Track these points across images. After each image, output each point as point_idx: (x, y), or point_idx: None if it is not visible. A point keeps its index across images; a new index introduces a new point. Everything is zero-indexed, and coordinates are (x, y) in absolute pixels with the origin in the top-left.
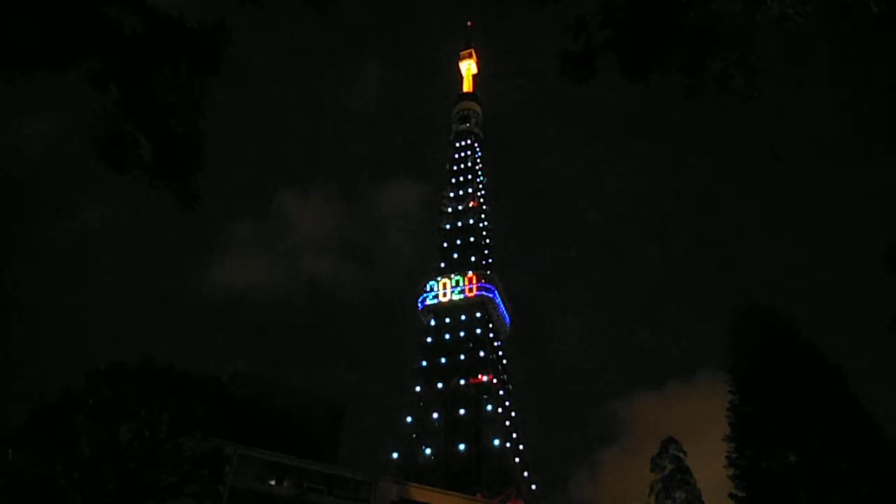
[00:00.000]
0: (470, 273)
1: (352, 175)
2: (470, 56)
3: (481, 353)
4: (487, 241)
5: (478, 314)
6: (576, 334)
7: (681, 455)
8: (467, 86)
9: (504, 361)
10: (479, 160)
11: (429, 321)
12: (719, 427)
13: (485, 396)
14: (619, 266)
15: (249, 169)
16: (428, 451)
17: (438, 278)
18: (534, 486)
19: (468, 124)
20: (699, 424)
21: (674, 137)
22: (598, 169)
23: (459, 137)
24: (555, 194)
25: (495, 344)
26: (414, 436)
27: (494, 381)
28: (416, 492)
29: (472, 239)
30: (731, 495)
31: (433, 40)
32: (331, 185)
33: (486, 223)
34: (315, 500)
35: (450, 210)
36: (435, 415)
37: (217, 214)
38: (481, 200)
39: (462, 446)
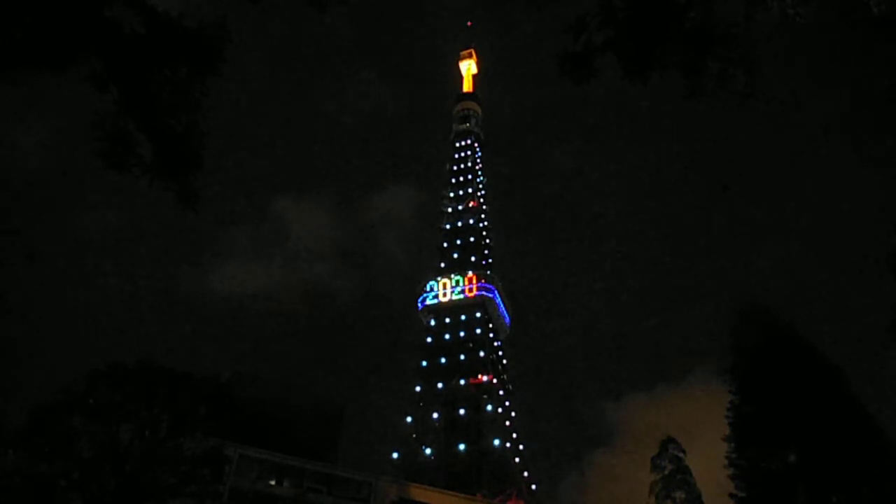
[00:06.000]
0: (470, 273)
1: (347, 181)
2: (470, 56)
3: (481, 353)
4: (487, 241)
5: (478, 314)
6: (572, 334)
7: (681, 455)
8: (467, 86)
9: (504, 361)
10: (479, 160)
11: (429, 321)
12: (711, 428)
13: (485, 396)
14: (618, 266)
15: (246, 174)
16: (428, 451)
17: (438, 278)
18: (534, 486)
19: (468, 124)
20: (691, 426)
21: (675, 138)
22: (599, 168)
23: (459, 137)
24: (555, 194)
25: (495, 344)
26: (414, 436)
27: (494, 381)
28: (416, 492)
29: (471, 239)
30: (731, 495)
31: (432, 42)
32: (326, 191)
33: (486, 223)
34: (315, 500)
35: (450, 210)
36: (435, 415)
37: (214, 219)
38: (481, 200)
39: (462, 446)
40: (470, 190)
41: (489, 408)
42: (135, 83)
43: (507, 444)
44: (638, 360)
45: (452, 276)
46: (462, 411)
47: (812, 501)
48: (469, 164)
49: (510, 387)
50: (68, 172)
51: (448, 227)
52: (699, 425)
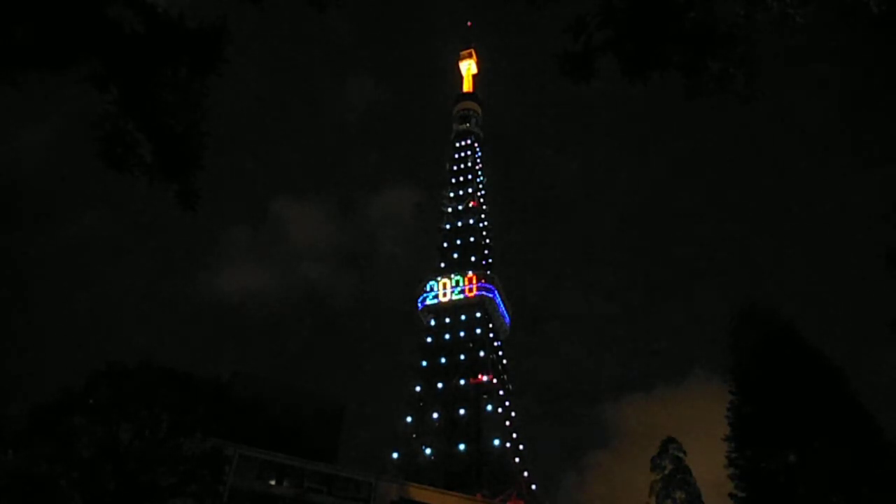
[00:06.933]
0: (470, 273)
1: (347, 181)
2: (470, 56)
3: (481, 353)
4: (487, 241)
5: (478, 314)
6: (572, 334)
7: (681, 455)
8: (467, 86)
9: (504, 361)
10: (479, 160)
11: (429, 321)
12: (710, 429)
13: (485, 396)
14: (617, 266)
15: (246, 174)
16: (428, 451)
17: (438, 278)
18: (534, 486)
19: (468, 124)
20: (691, 426)
21: (676, 139)
22: (598, 168)
23: (459, 137)
24: (555, 194)
25: (495, 344)
26: (414, 436)
27: (494, 381)
28: (416, 492)
29: (471, 239)
30: (731, 495)
31: (432, 42)
32: (326, 191)
33: (486, 223)
34: (315, 500)
35: (450, 210)
36: (435, 415)
37: (213, 221)
38: (481, 200)
39: (462, 446)
40: (470, 190)
41: (489, 408)
42: (135, 83)
43: (507, 444)
44: (637, 360)
45: (452, 276)
46: (462, 411)
47: (812, 501)
48: (469, 164)
49: (510, 387)
50: (69, 173)
51: (448, 227)
52: (699, 425)
